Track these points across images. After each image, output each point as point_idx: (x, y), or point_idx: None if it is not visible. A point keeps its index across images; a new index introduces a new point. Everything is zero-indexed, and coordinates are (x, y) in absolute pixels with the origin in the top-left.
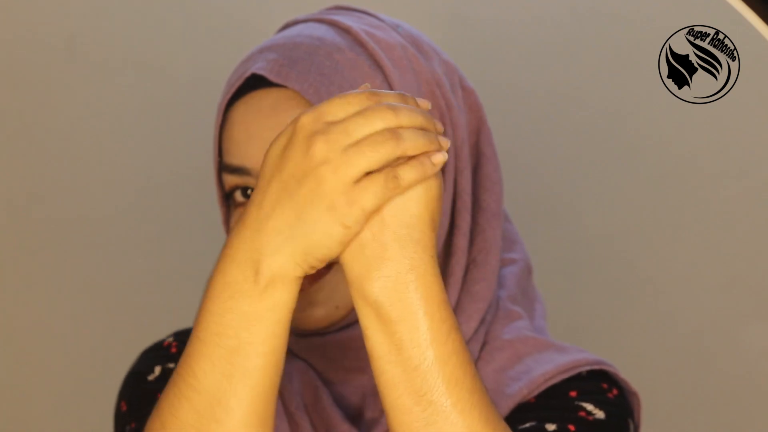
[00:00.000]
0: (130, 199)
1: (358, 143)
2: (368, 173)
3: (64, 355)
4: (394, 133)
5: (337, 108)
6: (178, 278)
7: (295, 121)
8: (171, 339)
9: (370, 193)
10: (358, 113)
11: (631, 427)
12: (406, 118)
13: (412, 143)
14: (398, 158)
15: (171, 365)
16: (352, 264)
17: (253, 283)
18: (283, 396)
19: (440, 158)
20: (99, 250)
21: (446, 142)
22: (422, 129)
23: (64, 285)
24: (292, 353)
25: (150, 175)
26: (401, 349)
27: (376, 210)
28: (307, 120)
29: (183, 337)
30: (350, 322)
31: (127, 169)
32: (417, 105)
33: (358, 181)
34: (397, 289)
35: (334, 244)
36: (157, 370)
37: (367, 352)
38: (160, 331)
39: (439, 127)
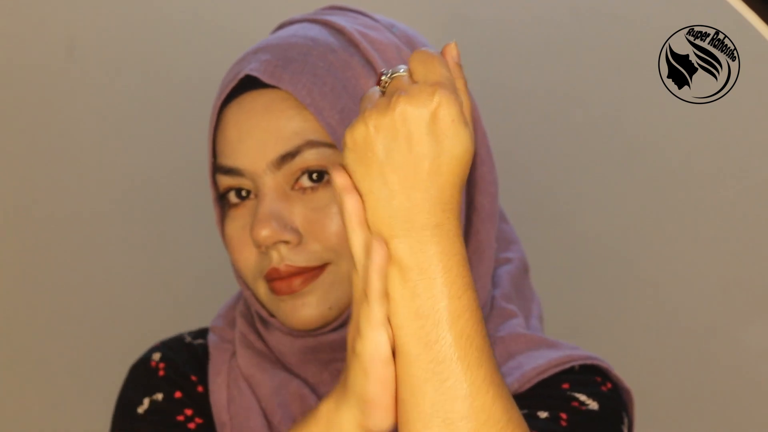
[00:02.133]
0: (129, 198)
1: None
2: None
3: (63, 355)
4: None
5: None
6: (177, 277)
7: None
8: (158, 356)
9: (363, 320)
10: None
11: (626, 421)
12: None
13: (373, 284)
14: None
15: (159, 397)
16: (380, 212)
17: (314, 421)
18: (265, 411)
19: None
20: (99, 250)
21: None
22: None
23: (63, 283)
24: (277, 364)
25: (150, 174)
26: (415, 296)
27: (377, 329)
28: None
29: (170, 353)
30: (343, 322)
31: (127, 168)
32: None
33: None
34: (420, 241)
35: (359, 377)
36: (146, 402)
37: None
38: (160, 329)
39: None
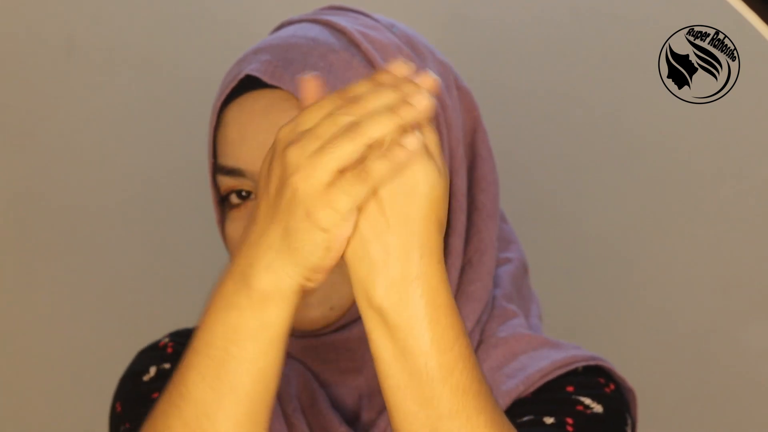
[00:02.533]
0: (130, 198)
1: (322, 145)
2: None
3: (63, 354)
4: (352, 125)
5: (310, 115)
6: (177, 277)
7: (277, 134)
8: (167, 339)
9: (342, 192)
10: (326, 115)
11: (629, 422)
12: (372, 103)
13: (375, 128)
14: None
15: (166, 366)
16: (357, 266)
17: (246, 298)
18: (280, 398)
19: (414, 143)
20: (99, 249)
21: (425, 99)
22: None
23: (64, 284)
24: (289, 354)
25: (150, 174)
26: (406, 356)
27: (354, 209)
28: (284, 132)
29: (179, 338)
30: (345, 323)
31: (127, 168)
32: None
33: (331, 183)
34: (403, 296)
35: (319, 251)
36: (153, 370)
37: (372, 355)
38: (160, 328)
39: (418, 86)
